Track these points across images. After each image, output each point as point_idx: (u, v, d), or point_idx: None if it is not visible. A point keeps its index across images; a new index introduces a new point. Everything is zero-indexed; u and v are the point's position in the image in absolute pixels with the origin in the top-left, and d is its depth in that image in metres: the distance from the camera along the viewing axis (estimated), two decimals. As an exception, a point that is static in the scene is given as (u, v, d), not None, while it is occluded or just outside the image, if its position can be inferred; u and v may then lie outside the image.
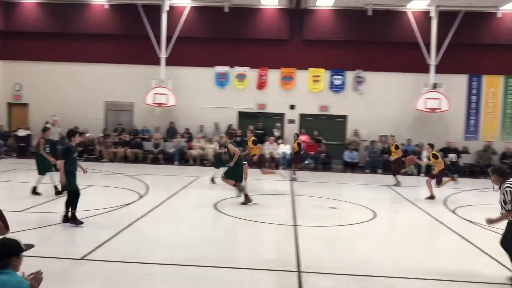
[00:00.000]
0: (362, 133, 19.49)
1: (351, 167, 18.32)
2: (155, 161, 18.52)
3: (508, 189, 5.73)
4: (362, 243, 7.94)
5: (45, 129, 11.59)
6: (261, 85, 19.93)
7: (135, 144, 18.85)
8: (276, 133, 19.41)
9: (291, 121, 20.02)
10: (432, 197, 12.14)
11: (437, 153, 12.63)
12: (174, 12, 19.43)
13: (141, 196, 11.30)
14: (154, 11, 19.22)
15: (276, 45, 19.72)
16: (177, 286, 5.68)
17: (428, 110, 18.62)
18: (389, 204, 11.79)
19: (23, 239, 7.24)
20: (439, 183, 12.19)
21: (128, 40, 19.94)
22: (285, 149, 18.51)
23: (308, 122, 20.00)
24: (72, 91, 20.23)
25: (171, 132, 19.59)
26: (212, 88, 20.01)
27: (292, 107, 19.96)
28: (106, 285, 5.63)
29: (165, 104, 19.12)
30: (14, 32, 20.18)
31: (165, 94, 19.08)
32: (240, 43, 19.80)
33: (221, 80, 20.01)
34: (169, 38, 19.38)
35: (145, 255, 6.72)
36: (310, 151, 18.19)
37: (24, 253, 6.06)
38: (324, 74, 19.77)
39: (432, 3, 18.28)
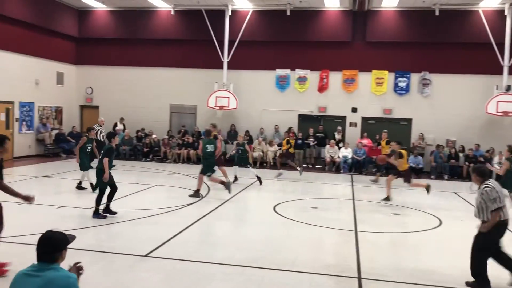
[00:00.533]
0: (427, 137, 18.75)
1: (416, 173, 17.63)
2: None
3: (487, 189, 5.66)
4: (426, 251, 7.63)
5: (89, 129, 12.19)
6: (322, 88, 19.74)
7: (198, 146, 19.25)
8: (337, 136, 19.13)
9: (353, 124, 19.66)
10: None
11: None
12: (236, 16, 19.74)
13: (202, 197, 11.54)
14: (217, 16, 19.63)
15: (338, 47, 19.47)
16: (237, 287, 5.73)
17: (500, 113, 17.58)
18: (456, 212, 11.23)
19: (91, 234, 7.65)
20: None
21: (192, 44, 20.50)
22: (346, 152, 18.19)
23: (370, 125, 19.55)
24: (139, 94, 21.11)
25: (232, 135, 19.88)
26: (272, 91, 20.10)
27: (354, 110, 19.60)
28: (168, 282, 5.79)
29: (227, 107, 19.44)
30: (86, 39, 21.39)
31: (227, 97, 19.40)
32: (301, 46, 19.75)
33: (282, 83, 20.04)
34: (231, 42, 19.70)
35: (206, 255, 6.85)
36: (372, 155, 17.75)
37: (92, 248, 6.37)
38: (387, 76, 19.26)
39: (506, 0, 17.27)
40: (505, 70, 17.83)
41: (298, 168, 15.63)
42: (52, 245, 3.24)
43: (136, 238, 7.68)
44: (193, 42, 20.49)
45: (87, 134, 11.93)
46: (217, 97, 19.46)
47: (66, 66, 21.11)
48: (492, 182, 5.83)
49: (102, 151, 9.26)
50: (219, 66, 19.87)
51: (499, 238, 5.83)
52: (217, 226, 8.88)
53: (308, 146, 19.03)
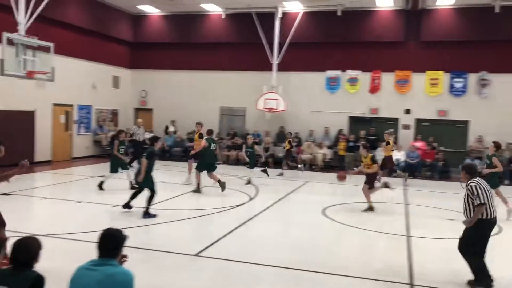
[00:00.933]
0: (486, 140, 17.89)
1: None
2: (265, 164, 18.87)
3: (473, 184, 5.77)
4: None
5: (120, 132, 12.45)
6: (374, 89, 19.34)
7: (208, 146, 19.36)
8: (390, 138, 18.60)
9: (406, 127, 19.11)
10: None
11: None
12: (286, 18, 19.73)
13: (251, 198, 11.60)
14: (267, 19, 19.70)
15: (391, 47, 19.00)
16: (285, 289, 5.71)
17: None
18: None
19: (144, 233, 7.84)
20: None
21: (242, 47, 20.70)
22: (399, 155, 17.68)
23: (424, 127, 18.92)
24: (190, 97, 21.55)
25: (281, 137, 19.87)
26: (322, 92, 19.92)
27: (407, 111, 19.05)
28: (217, 281, 5.86)
29: (275, 109, 19.45)
30: (140, 43, 22.11)
31: (275, 99, 19.41)
32: (352, 47, 19.46)
33: (332, 85, 19.82)
34: (281, 44, 19.71)
35: (254, 256, 6.87)
36: (426, 158, 17.18)
37: (144, 246, 6.54)
38: (443, 77, 18.58)
39: None
40: None
41: (299, 166, 16.39)
42: (113, 242, 3.39)
43: (186, 238, 7.83)
44: (243, 45, 20.68)
45: (118, 137, 12.20)
46: (266, 99, 19.53)
47: (122, 70, 21.91)
48: (479, 179, 5.90)
49: (140, 152, 9.53)
50: (269, 68, 19.92)
51: (486, 236, 5.85)
52: (267, 227, 8.89)
53: (359, 148, 18.64)
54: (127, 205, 9.38)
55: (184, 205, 10.53)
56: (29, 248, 3.33)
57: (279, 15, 19.50)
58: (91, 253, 3.56)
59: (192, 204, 10.73)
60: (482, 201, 5.64)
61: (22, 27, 12.24)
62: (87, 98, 19.47)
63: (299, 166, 16.50)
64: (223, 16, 20.40)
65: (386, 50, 19.12)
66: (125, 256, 3.62)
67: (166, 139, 20.49)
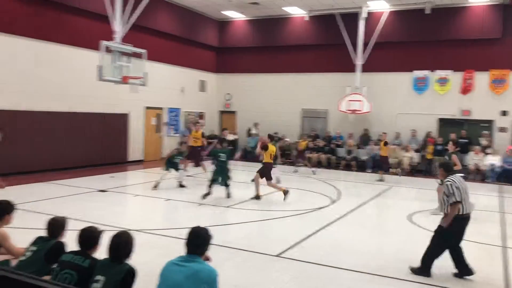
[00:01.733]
0: None
1: None
2: (347, 167, 18.58)
3: (448, 182, 5.88)
4: None
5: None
6: (465, 89, 18.21)
7: (329, 150, 19.25)
8: (484, 142, 17.44)
9: (503, 129, 17.75)
10: None
11: None
12: (371, 18, 19.24)
13: (333, 201, 11.46)
14: (351, 19, 19.35)
15: (485, 45, 17.78)
16: (367, 295, 5.57)
17: None
18: None
19: (228, 232, 8.04)
20: None
21: (325, 49, 20.53)
22: (494, 160, 16.48)
23: (523, 130, 17.46)
24: (273, 100, 21.78)
25: (365, 139, 19.39)
26: (409, 93, 19.14)
27: (503, 113, 17.68)
28: (298, 283, 5.87)
29: (359, 110, 19.03)
30: (225, 48, 22.77)
31: (359, 100, 18.99)
32: (442, 45, 18.48)
33: (420, 85, 18.97)
34: (365, 45, 19.26)
35: (336, 259, 6.78)
36: (525, 163, 15.84)
37: (228, 245, 6.71)
38: (546, 75, 17.03)
39: None
40: None
41: (312, 169, 16.75)
42: (200, 240, 3.57)
43: (268, 238, 7.92)
44: (326, 47, 20.50)
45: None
46: (349, 100, 19.18)
47: (208, 74, 22.71)
48: (455, 177, 5.99)
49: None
50: (352, 69, 19.55)
51: (460, 232, 5.97)
52: (349, 231, 8.73)
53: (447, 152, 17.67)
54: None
55: (267, 206, 10.65)
56: (126, 243, 3.65)
57: (364, 15, 19.05)
58: (179, 248, 3.75)
59: (274, 206, 10.83)
60: (458, 199, 5.77)
61: (118, 35, 13.13)
62: (176, 101, 20.44)
63: (312, 169, 16.86)
64: (306, 18, 20.36)
65: (480, 48, 17.92)
66: (208, 259, 3.79)
67: (248, 140, 20.89)
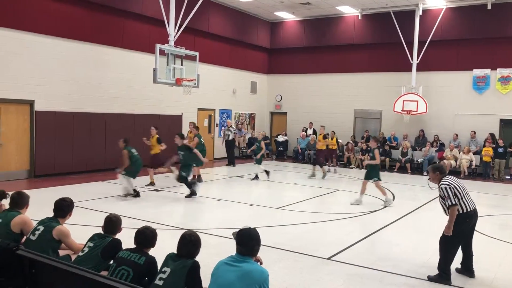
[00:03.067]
0: None
1: None
2: (402, 170, 18.03)
3: (442, 185, 5.81)
4: None
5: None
6: (530, 89, 17.19)
7: (382, 152, 18.74)
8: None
9: None
10: None
11: None
12: (427, 15, 18.59)
13: (387, 205, 11.14)
14: (406, 17, 18.79)
15: (553, 40, 16.70)
16: (423, 302, 5.36)
17: None
18: None
19: (278, 233, 7.99)
20: None
21: (379, 48, 20.06)
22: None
23: None
24: (324, 100, 21.55)
25: (421, 141, 18.76)
26: (468, 93, 18.31)
27: None
28: (348, 287, 5.74)
29: (415, 111, 18.42)
30: (277, 49, 22.77)
31: (415, 100, 18.39)
32: (504, 42, 17.53)
33: (480, 84, 18.10)
34: (421, 43, 18.62)
35: (387, 264, 6.58)
36: None
37: (278, 246, 6.69)
38: None
39: None
40: None
41: (329, 169, 16.39)
42: (251, 241, 3.58)
43: (320, 240, 7.81)
44: (379, 46, 20.03)
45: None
46: (404, 101, 18.61)
47: (259, 75, 22.81)
48: (449, 178, 5.88)
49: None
50: (407, 68, 18.97)
51: (463, 231, 5.83)
52: (403, 236, 8.44)
53: (511, 155, 16.78)
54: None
55: (317, 208, 10.53)
56: (199, 242, 3.83)
57: (419, 12, 18.43)
58: (230, 248, 3.76)
59: (326, 208, 10.68)
60: (453, 202, 5.69)
61: (172, 38, 13.44)
62: (227, 102, 20.68)
63: (328, 168, 16.52)
64: (359, 17, 19.98)
65: (547, 44, 16.85)
66: (259, 261, 3.80)
67: (299, 141, 20.77)
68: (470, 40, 18.15)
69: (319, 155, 15.86)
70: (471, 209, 5.83)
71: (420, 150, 18.36)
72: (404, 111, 18.64)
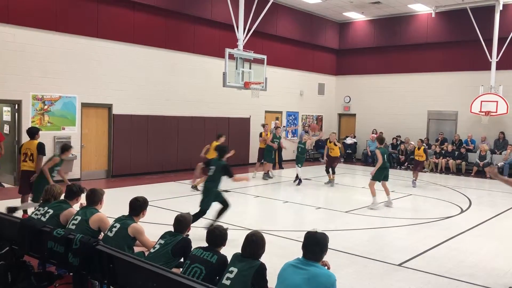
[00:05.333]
0: None
1: None
2: (480, 174, 17.03)
3: None
4: None
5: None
6: None
7: (459, 155, 17.84)
8: None
9: None
10: None
11: None
12: (509, 10, 17.45)
13: (462, 211, 10.60)
14: (485, 13, 17.74)
15: None
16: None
17: None
18: None
19: (347, 237, 7.88)
20: None
21: (454, 46, 19.12)
22: None
23: None
24: (395, 101, 20.88)
25: (501, 143, 17.61)
26: (556, 92, 16.94)
27: None
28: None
29: (494, 112, 17.34)
30: (345, 50, 22.41)
31: (495, 101, 17.30)
32: None
33: None
34: (501, 40, 17.49)
35: (463, 273, 6.25)
36: None
37: (347, 250, 6.60)
38: None
39: None
40: None
41: (330, 178, 14.04)
42: (318, 245, 3.57)
43: (390, 246, 7.60)
44: (454, 44, 19.08)
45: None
46: (482, 101, 17.56)
47: (327, 77, 22.56)
48: None
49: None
50: (485, 67, 17.89)
51: None
52: (480, 244, 7.97)
53: None
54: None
55: (390, 213, 10.23)
56: (263, 242, 3.91)
57: (500, 7, 17.32)
58: (297, 250, 3.77)
59: (398, 213, 10.35)
60: None
61: (241, 42, 13.67)
62: (294, 104, 20.66)
63: (330, 178, 14.09)
64: (433, 15, 19.15)
65: None
66: (327, 265, 3.79)
67: (369, 143, 20.28)
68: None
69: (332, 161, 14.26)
70: None
71: (500, 153, 17.24)
72: (482, 112, 17.59)
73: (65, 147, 8.21)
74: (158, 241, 4.59)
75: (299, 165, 13.92)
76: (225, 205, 7.78)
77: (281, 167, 17.21)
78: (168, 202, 10.47)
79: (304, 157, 14.28)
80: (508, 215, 10.49)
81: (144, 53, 14.65)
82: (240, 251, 3.88)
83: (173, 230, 4.65)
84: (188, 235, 4.78)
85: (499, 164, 16.82)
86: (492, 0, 17.33)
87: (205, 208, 7.66)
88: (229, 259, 3.95)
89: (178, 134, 15.63)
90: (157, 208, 9.57)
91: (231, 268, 3.75)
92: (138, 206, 5.00)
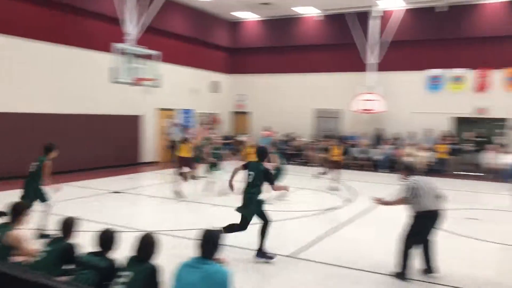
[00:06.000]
0: None
1: None
2: (361, 167, 18.44)
3: (408, 182, 6.15)
4: None
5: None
6: (481, 88, 17.95)
7: (343, 150, 19.08)
8: (500, 140, 17.18)
9: (518, 128, 17.49)
10: None
11: None
12: (384, 17, 19.07)
13: (347, 202, 11.37)
14: (364, 18, 19.21)
15: (501, 42, 17.50)
16: (383, 296, 5.50)
17: None
18: None
19: (243, 233, 7.99)
20: None
21: (338, 49, 20.43)
22: (509, 159, 16.23)
23: (541, 128, 17.19)
24: (286, 100, 21.74)
25: (379, 139, 19.23)
26: (423, 92, 18.92)
27: (520, 111, 17.42)
28: (315, 285, 5.81)
29: (373, 110, 18.87)
30: (238, 49, 22.77)
31: (373, 100, 18.84)
32: (457, 43, 18.25)
33: (434, 84, 18.74)
34: (379, 44, 19.07)
35: (352, 260, 6.72)
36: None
37: (242, 245, 6.68)
38: None
39: None
40: None
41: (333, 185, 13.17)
42: (213, 243, 3.57)
43: (283, 239, 7.87)
44: (339, 46, 20.40)
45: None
46: (363, 100, 19.04)
47: (221, 75, 22.73)
48: (418, 178, 6.21)
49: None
50: (366, 68, 19.41)
51: (422, 230, 6.07)
52: (361, 232, 8.64)
53: (464, 151, 17.46)
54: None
55: (280, 206, 10.60)
56: (155, 243, 3.84)
57: (376, 14, 18.88)
58: (192, 250, 3.74)
59: (289, 206, 10.77)
60: (405, 195, 6.06)
61: (131, 37, 13.23)
62: (189, 102, 20.50)
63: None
64: (317, 18, 20.25)
65: (496, 46, 17.65)
66: (223, 261, 3.83)
67: (260, 140, 20.81)
68: (425, 41, 18.76)
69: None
70: (429, 209, 5.99)
71: (378, 148, 18.82)
72: (362, 110, 19.06)
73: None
74: (42, 248, 4.27)
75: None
76: (265, 220, 6.76)
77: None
78: (55, 206, 9.73)
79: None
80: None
81: (21, 46, 13.42)
82: (133, 254, 3.79)
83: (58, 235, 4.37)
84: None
85: (378, 157, 18.34)
86: (369, 7, 18.82)
87: (249, 219, 6.74)
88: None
89: (64, 133, 14.53)
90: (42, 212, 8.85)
91: (126, 272, 3.64)
92: (16, 211, 4.59)
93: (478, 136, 17.40)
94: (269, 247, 6.98)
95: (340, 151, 13.69)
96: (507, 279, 6.26)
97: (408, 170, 6.49)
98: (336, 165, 13.31)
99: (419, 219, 6.02)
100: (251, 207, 6.71)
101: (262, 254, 6.61)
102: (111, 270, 3.82)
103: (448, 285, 5.88)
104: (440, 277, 6.10)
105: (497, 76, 17.68)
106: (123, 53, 12.92)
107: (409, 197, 6.03)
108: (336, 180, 13.35)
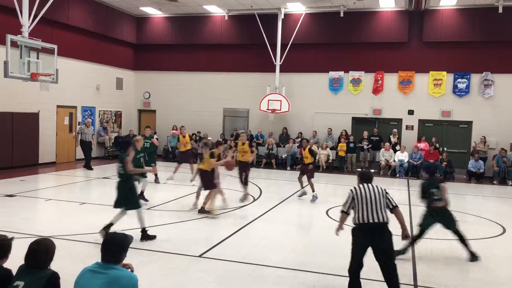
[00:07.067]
0: (489, 140, 17.86)
1: (477, 178, 16.88)
2: (268, 165, 18.92)
3: (349, 191, 5.46)
4: (490, 261, 7.25)
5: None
6: (377, 90, 19.32)
7: (250, 149, 19.42)
8: (393, 139, 18.64)
9: (409, 127, 19.08)
10: None
11: None
12: (289, 19, 19.72)
13: (254, 199, 11.61)
14: (270, 20, 19.69)
15: (394, 48, 18.99)
16: (289, 290, 5.70)
17: None
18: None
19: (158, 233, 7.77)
20: None
21: (245, 49, 20.74)
22: (402, 156, 17.69)
23: (428, 128, 18.91)
24: (194, 99, 21.60)
25: (284, 138, 19.87)
26: (325, 93, 19.91)
27: (410, 112, 19.02)
28: (221, 283, 5.86)
29: (279, 110, 19.45)
30: (144, 45, 22.15)
31: (279, 100, 19.41)
32: (355, 48, 19.45)
33: (335, 85, 19.81)
34: (283, 45, 19.69)
35: (258, 257, 6.88)
36: (429, 159, 17.16)
37: (149, 248, 6.56)
38: (446, 78, 18.55)
39: None
40: None
41: (313, 194, 11.83)
42: (117, 246, 3.43)
43: (191, 239, 7.83)
44: (246, 46, 20.71)
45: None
46: (269, 100, 19.53)
47: (125, 71, 21.95)
48: (359, 186, 5.44)
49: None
50: (272, 69, 19.93)
51: (358, 243, 5.26)
52: (270, 229, 8.88)
53: (361, 149, 18.69)
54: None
55: (186, 206, 10.52)
56: (48, 249, 3.49)
57: (282, 16, 19.47)
58: (95, 254, 3.58)
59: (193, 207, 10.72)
60: (343, 209, 5.48)
61: (25, 29, 12.27)
62: (90, 99, 19.52)
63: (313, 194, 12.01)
64: (226, 18, 20.39)
65: (389, 51, 19.11)
66: (129, 266, 3.68)
67: (169, 139, 20.52)
68: (326, 45, 19.74)
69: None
70: (364, 222, 5.20)
71: (284, 146, 19.45)
72: (269, 110, 19.56)
73: None
74: None
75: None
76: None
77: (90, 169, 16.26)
78: None
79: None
80: (290, 200, 11.91)
81: None
82: (24, 262, 3.47)
83: None
84: None
85: (283, 156, 18.96)
86: (275, 9, 19.35)
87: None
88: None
89: None
90: None
91: (17, 282, 3.34)
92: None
93: (374, 135, 18.70)
94: (180, 247, 6.90)
95: (248, 150, 13.66)
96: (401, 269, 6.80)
97: (360, 178, 5.69)
98: (243, 165, 13.25)
99: (355, 232, 5.34)
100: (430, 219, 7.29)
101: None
102: (4, 280, 3.51)
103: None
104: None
105: (390, 79, 19.14)
106: (17, 45, 11.95)
107: (345, 210, 5.46)
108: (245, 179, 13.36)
